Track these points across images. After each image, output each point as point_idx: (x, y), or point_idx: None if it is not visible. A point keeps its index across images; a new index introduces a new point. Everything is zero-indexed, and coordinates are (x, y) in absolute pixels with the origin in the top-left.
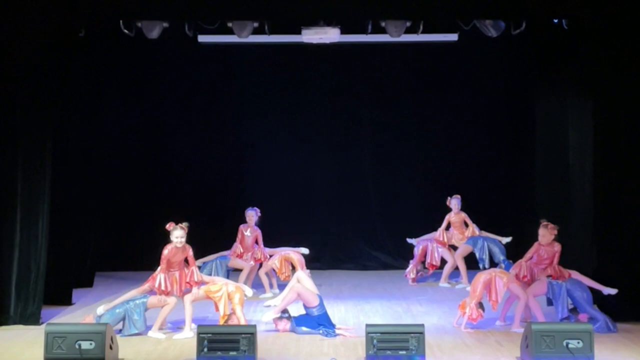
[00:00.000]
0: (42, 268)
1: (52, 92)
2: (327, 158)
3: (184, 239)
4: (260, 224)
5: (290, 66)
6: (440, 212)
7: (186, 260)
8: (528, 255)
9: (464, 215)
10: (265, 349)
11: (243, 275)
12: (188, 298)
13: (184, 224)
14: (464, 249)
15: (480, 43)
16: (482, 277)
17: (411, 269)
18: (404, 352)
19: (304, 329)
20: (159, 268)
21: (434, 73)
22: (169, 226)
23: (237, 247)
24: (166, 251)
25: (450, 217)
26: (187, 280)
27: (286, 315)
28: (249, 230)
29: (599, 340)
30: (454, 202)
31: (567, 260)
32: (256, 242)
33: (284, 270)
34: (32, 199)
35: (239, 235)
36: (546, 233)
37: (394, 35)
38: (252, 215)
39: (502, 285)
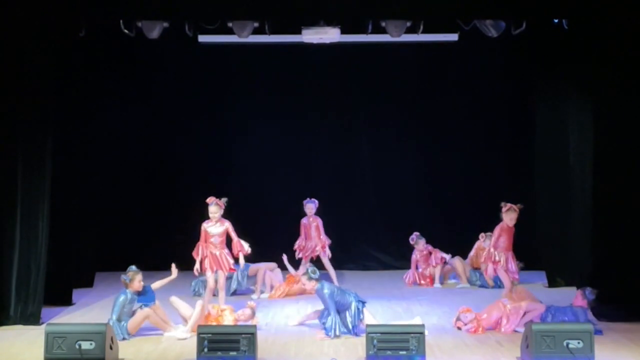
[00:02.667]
0: (42, 268)
1: (52, 92)
2: (327, 158)
3: (216, 215)
4: (261, 223)
5: (290, 66)
6: (441, 211)
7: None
8: (494, 239)
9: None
10: (265, 349)
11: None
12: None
13: (222, 200)
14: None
15: (480, 43)
16: (494, 312)
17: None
18: (404, 352)
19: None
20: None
21: (434, 73)
22: (208, 200)
23: (301, 240)
24: (203, 225)
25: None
26: (234, 253)
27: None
28: (309, 220)
29: (599, 340)
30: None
31: (567, 260)
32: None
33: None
34: (32, 199)
35: (302, 229)
36: (515, 215)
37: (394, 35)
38: (311, 207)
39: (517, 317)
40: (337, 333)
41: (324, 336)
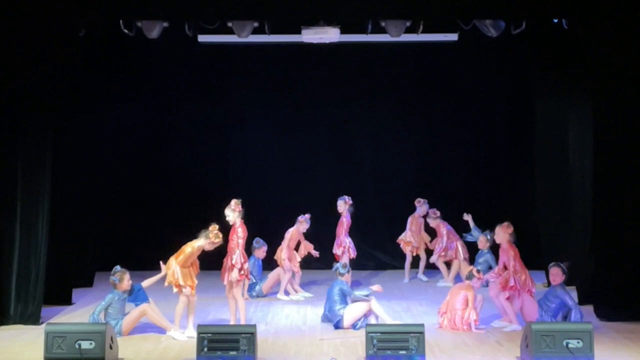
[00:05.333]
0: (42, 268)
1: (52, 92)
2: (327, 157)
3: (229, 217)
4: (260, 223)
5: (290, 66)
6: (441, 211)
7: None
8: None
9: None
10: (265, 348)
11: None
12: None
13: (233, 202)
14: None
15: (480, 43)
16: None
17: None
18: (404, 352)
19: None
20: None
21: (434, 73)
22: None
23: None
24: None
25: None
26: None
27: None
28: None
29: (599, 340)
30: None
31: (567, 260)
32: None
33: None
34: (32, 198)
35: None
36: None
37: (394, 35)
38: (340, 204)
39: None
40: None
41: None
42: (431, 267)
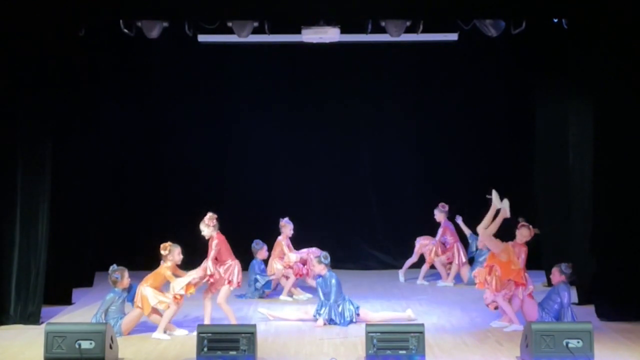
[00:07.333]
0: (42, 268)
1: (52, 92)
2: (327, 157)
3: (204, 232)
4: (260, 223)
5: (290, 66)
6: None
7: None
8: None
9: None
10: (265, 348)
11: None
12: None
13: (207, 217)
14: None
15: (480, 43)
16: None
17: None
18: (403, 352)
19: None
20: None
21: (434, 73)
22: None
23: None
24: None
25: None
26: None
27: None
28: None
29: (599, 340)
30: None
31: (567, 260)
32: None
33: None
34: (32, 198)
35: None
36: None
37: (394, 34)
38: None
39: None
40: (334, 318)
41: (321, 322)
42: (430, 267)
